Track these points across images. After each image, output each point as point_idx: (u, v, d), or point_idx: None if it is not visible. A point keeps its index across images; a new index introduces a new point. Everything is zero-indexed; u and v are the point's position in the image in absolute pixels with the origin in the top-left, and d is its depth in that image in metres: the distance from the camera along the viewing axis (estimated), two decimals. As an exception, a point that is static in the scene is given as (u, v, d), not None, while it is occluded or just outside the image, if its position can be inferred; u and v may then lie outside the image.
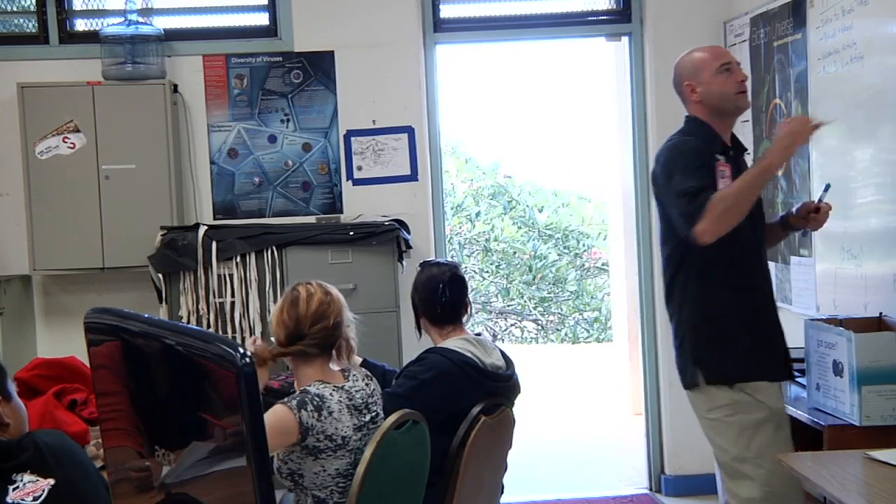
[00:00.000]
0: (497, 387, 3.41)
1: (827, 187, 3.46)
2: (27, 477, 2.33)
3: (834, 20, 3.96)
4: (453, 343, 3.43)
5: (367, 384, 3.07)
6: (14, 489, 2.31)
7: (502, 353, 3.53)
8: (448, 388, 3.31)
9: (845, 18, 3.88)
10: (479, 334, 3.61)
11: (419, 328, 3.61)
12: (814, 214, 3.46)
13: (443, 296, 3.51)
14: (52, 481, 2.35)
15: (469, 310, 3.59)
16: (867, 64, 3.76)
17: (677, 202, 3.20)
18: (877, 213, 3.78)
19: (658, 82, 5.28)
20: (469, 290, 3.64)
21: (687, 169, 3.21)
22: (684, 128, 3.41)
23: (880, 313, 3.59)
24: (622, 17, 5.40)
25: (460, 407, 3.29)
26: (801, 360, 3.70)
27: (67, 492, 2.35)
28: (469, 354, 3.37)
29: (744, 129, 4.96)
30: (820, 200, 3.45)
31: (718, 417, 3.36)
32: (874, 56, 3.73)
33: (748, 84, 3.38)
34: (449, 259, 3.89)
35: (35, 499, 2.31)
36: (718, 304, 3.30)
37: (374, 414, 3.03)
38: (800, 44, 4.31)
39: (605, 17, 5.48)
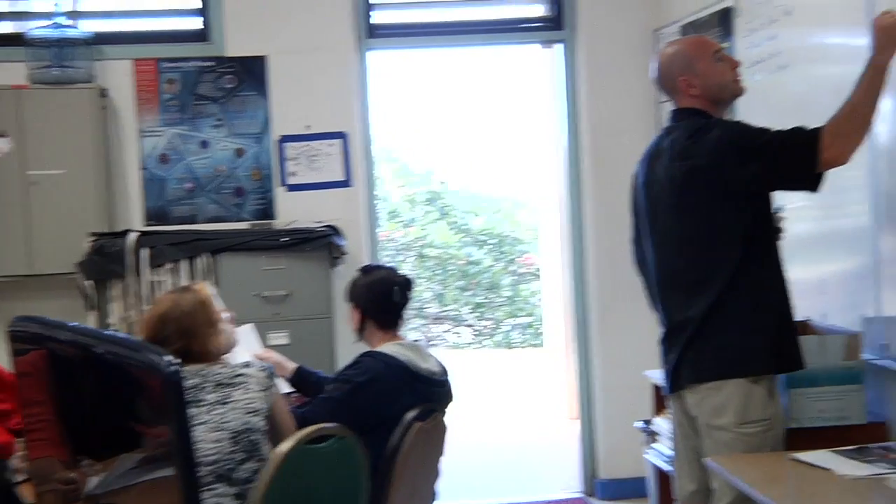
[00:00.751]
0: (432, 392, 3.42)
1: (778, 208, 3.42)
2: None
3: (760, 30, 4.04)
4: (389, 348, 3.43)
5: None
6: None
7: (438, 360, 3.54)
8: (382, 391, 3.31)
9: (771, 28, 3.95)
10: (416, 340, 3.62)
11: (361, 331, 3.58)
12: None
13: (396, 298, 3.51)
14: None
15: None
16: (792, 73, 3.84)
17: (777, 148, 2.93)
18: (803, 220, 3.85)
19: (591, 88, 5.34)
20: None
21: (751, 128, 3.01)
22: (689, 120, 3.14)
23: (806, 318, 3.66)
24: (555, 25, 5.44)
25: (394, 411, 3.29)
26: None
27: None
28: (404, 359, 3.37)
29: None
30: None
31: (751, 433, 3.03)
32: (799, 65, 3.80)
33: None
34: (388, 264, 3.90)
35: None
36: (764, 292, 3.07)
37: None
38: (728, 52, 4.37)
39: (538, 25, 5.52)
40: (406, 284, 3.56)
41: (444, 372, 3.51)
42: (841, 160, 2.91)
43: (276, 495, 2.82)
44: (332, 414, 3.22)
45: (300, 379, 3.69)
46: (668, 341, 3.24)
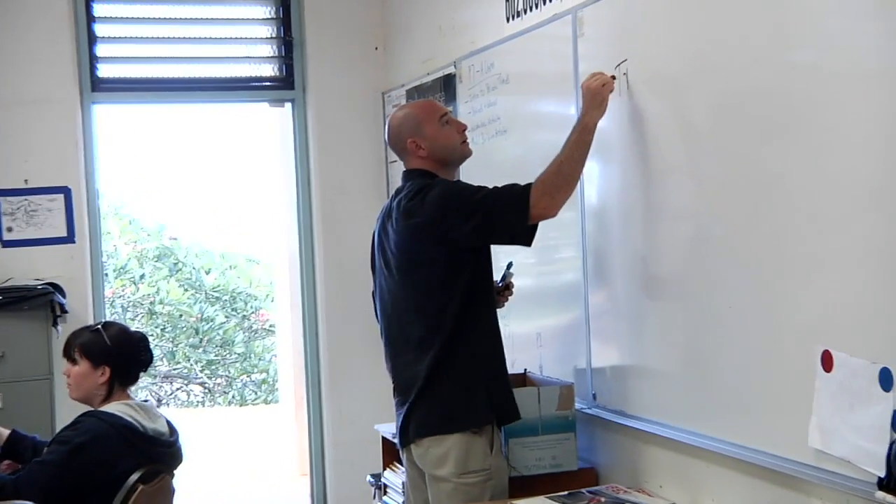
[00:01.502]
0: (158, 453, 3.33)
1: (509, 265, 3.56)
2: None
3: (480, 96, 4.24)
4: (115, 407, 3.32)
5: None
6: None
7: (168, 420, 3.46)
8: (104, 452, 3.19)
9: (490, 95, 4.16)
10: (145, 400, 3.52)
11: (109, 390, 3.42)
12: (505, 292, 3.50)
13: (145, 356, 3.45)
14: None
15: None
16: (511, 137, 4.05)
17: (491, 204, 3.07)
18: (521, 276, 4.04)
19: (321, 147, 5.42)
20: None
21: (469, 186, 3.16)
22: (415, 181, 3.27)
23: (525, 370, 3.85)
24: (285, 84, 5.50)
25: (116, 473, 3.19)
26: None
27: None
28: (129, 419, 3.28)
29: (402, 195, 5.18)
30: (504, 279, 3.51)
31: (470, 483, 3.15)
32: (516, 130, 4.02)
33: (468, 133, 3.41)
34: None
35: None
36: (481, 348, 3.22)
37: None
38: (454, 116, 4.56)
39: (268, 84, 5.56)
40: (147, 341, 3.50)
41: (174, 432, 3.44)
42: (550, 213, 3.07)
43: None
44: (49, 478, 3.09)
45: (14, 444, 3.50)
46: (398, 396, 3.35)
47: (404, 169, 3.39)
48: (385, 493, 4.45)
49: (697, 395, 2.99)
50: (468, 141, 3.38)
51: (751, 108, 2.69)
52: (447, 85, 4.59)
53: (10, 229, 4.98)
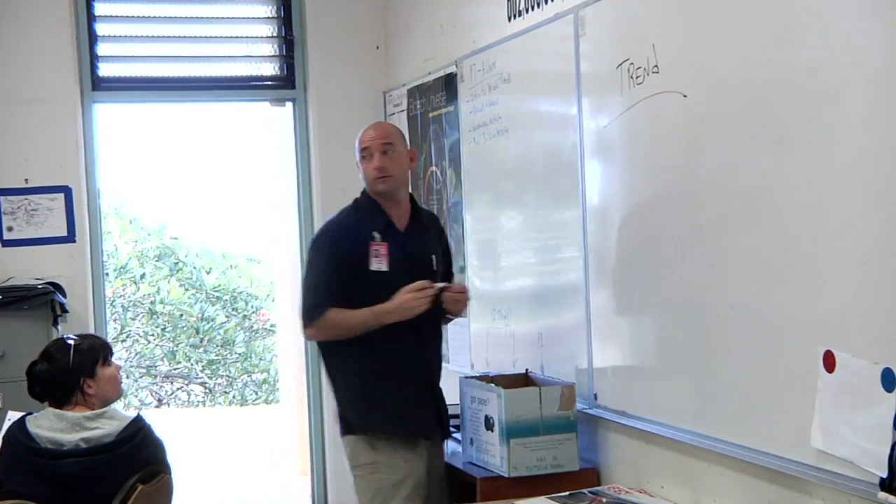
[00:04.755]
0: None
1: (448, 279, 3.70)
2: None
3: (482, 95, 4.24)
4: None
5: None
6: None
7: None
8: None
9: (491, 94, 4.16)
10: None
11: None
12: (451, 295, 3.56)
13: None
14: None
15: None
16: (512, 136, 4.05)
17: (304, 290, 3.61)
18: (522, 275, 4.05)
19: (322, 146, 5.41)
20: None
21: (327, 263, 3.56)
22: (355, 202, 3.69)
23: (526, 370, 3.84)
24: (286, 84, 5.49)
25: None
26: (457, 416, 3.89)
27: None
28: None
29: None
30: (443, 290, 3.53)
31: (361, 475, 3.57)
32: (517, 129, 4.02)
33: (390, 167, 3.55)
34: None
35: None
36: (364, 363, 3.56)
37: None
38: (452, 116, 4.56)
39: (269, 83, 5.55)
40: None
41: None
42: (312, 340, 3.92)
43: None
44: None
45: None
46: None
47: None
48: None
49: (699, 395, 2.98)
50: (386, 177, 3.56)
51: (752, 107, 2.68)
52: (448, 84, 4.58)
53: (10, 228, 4.97)
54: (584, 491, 3.24)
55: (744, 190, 2.73)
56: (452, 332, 4.62)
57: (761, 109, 2.64)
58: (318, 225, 5.41)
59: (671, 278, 3.08)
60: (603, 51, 3.36)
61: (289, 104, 5.53)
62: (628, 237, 3.31)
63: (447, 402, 3.70)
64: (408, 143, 3.80)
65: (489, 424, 3.55)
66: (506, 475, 3.45)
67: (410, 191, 3.83)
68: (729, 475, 2.91)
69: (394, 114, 5.27)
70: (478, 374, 3.90)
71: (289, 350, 6.96)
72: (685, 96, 2.96)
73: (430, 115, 4.82)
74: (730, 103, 2.77)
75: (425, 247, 3.66)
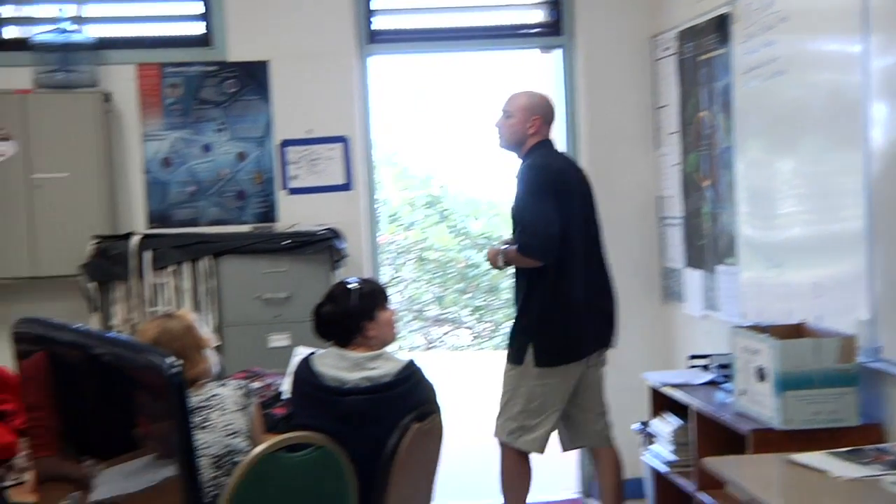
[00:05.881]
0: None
1: None
2: None
3: (757, 36, 4.07)
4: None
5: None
6: None
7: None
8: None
9: (768, 34, 3.99)
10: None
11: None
12: None
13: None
14: None
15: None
16: (789, 78, 3.88)
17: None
18: (798, 223, 3.89)
19: (589, 93, 5.38)
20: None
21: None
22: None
23: (801, 320, 3.71)
24: (554, 30, 5.48)
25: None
26: (728, 367, 3.81)
27: None
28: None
29: (671, 141, 5.07)
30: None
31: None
32: (795, 71, 3.84)
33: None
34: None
35: None
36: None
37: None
38: (724, 58, 4.42)
39: (537, 30, 5.56)
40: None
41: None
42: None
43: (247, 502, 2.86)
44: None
45: None
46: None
47: (538, 139, 4.36)
48: (652, 441, 4.43)
49: None
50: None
51: None
52: (721, 25, 4.44)
53: (294, 177, 5.25)
54: (866, 448, 3.09)
55: None
56: (722, 281, 4.53)
57: None
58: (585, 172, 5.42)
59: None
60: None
61: (556, 51, 5.52)
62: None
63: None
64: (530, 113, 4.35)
65: (761, 375, 3.46)
66: (779, 428, 3.35)
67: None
68: None
69: (661, 58, 5.16)
70: (749, 324, 3.80)
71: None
72: None
73: (701, 58, 4.69)
74: None
75: None
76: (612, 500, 4.38)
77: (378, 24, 5.40)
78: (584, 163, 5.41)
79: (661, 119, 5.24)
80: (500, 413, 4.38)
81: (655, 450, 4.38)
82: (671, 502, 4.33)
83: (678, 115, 4.99)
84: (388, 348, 3.53)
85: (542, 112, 4.37)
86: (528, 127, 4.32)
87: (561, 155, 4.53)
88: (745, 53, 4.19)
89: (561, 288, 4.17)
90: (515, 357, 4.27)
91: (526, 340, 4.23)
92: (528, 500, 4.45)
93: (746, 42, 4.18)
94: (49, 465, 2.23)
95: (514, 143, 4.37)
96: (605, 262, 4.38)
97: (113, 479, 1.99)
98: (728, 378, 3.87)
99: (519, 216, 4.25)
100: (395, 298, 10.75)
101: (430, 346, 10.95)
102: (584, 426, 4.38)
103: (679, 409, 4.18)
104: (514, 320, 4.35)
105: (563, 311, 4.19)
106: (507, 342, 4.39)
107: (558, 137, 5.64)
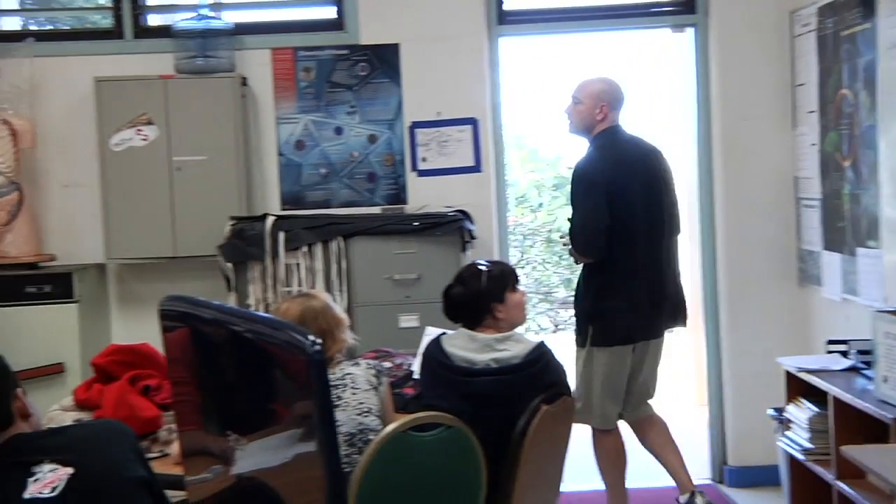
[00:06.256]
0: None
1: None
2: (47, 466, 2.15)
3: (903, 10, 3.92)
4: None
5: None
6: (34, 481, 2.13)
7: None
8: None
9: (915, 8, 3.84)
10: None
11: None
12: None
13: None
14: (71, 470, 2.15)
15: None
16: (936, 54, 3.73)
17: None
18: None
19: (723, 73, 5.27)
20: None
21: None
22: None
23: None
24: (687, 8, 5.38)
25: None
26: (869, 353, 3.69)
27: (85, 480, 2.15)
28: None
29: (810, 120, 4.93)
30: None
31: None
32: (944, 46, 3.69)
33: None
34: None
35: (53, 490, 2.12)
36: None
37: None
38: (868, 34, 4.27)
39: (669, 8, 5.47)
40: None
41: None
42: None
43: (377, 483, 2.89)
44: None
45: None
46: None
47: (606, 125, 4.48)
48: (788, 428, 4.33)
49: None
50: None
51: None
52: (865, 0, 4.28)
53: (424, 159, 5.29)
54: None
55: None
56: (863, 264, 4.39)
57: None
58: (717, 155, 5.33)
59: None
60: None
61: (689, 30, 5.41)
62: None
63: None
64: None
65: (905, 362, 3.35)
66: (924, 417, 3.24)
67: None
68: None
69: (801, 34, 5.01)
70: (892, 309, 3.67)
71: (684, 280, 6.90)
72: None
73: (843, 34, 4.53)
74: None
75: None
76: (678, 460, 4.50)
77: (509, 4, 5.39)
78: (717, 144, 5.32)
79: (799, 98, 5.10)
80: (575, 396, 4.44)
81: (791, 436, 4.28)
82: (808, 490, 4.23)
83: (817, 93, 4.84)
84: (517, 330, 3.54)
85: (609, 99, 4.47)
86: (597, 113, 4.46)
87: (627, 141, 4.56)
88: (892, 28, 4.03)
89: (614, 275, 4.31)
90: (580, 340, 4.42)
91: (586, 323, 4.38)
92: (658, 486, 4.42)
93: (892, 16, 4.03)
94: (193, 438, 2.29)
95: (582, 128, 4.52)
96: (671, 248, 4.53)
97: (253, 454, 2.03)
98: (869, 364, 3.75)
99: (572, 213, 4.43)
100: (522, 281, 10.74)
101: (558, 328, 10.89)
102: (628, 405, 4.53)
103: (815, 396, 4.07)
104: (576, 306, 4.51)
105: (616, 297, 4.32)
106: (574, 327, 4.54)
107: (690, 118, 5.56)
